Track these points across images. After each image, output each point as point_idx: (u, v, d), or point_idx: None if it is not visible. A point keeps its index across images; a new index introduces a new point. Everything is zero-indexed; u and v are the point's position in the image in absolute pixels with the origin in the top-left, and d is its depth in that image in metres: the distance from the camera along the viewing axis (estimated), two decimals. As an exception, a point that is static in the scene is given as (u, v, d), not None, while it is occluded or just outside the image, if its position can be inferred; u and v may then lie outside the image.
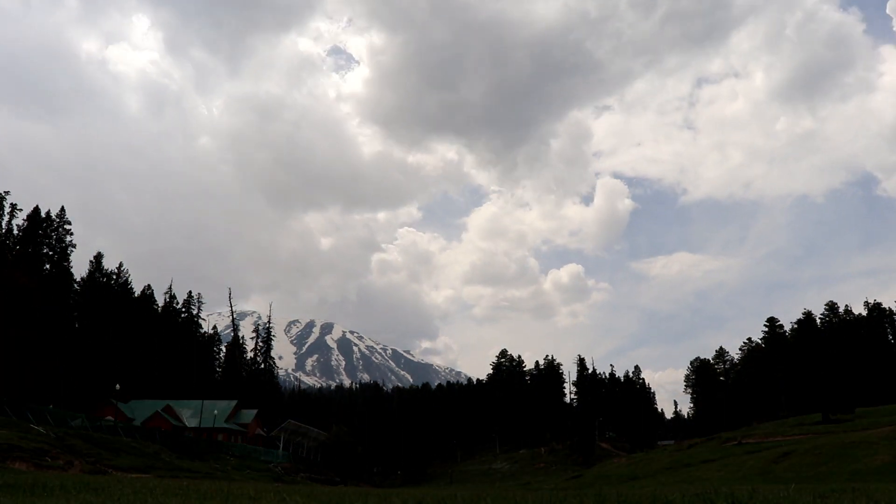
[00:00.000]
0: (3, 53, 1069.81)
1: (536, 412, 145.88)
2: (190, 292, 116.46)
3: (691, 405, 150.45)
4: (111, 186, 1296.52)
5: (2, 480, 15.31)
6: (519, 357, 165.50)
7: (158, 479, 28.35)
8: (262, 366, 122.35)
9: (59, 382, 77.41)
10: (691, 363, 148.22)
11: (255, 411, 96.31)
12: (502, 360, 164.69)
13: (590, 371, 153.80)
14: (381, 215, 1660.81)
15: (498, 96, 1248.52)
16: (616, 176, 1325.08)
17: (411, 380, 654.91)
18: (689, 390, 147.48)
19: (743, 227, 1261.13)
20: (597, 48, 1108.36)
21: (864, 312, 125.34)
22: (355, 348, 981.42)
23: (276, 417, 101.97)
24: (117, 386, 71.26)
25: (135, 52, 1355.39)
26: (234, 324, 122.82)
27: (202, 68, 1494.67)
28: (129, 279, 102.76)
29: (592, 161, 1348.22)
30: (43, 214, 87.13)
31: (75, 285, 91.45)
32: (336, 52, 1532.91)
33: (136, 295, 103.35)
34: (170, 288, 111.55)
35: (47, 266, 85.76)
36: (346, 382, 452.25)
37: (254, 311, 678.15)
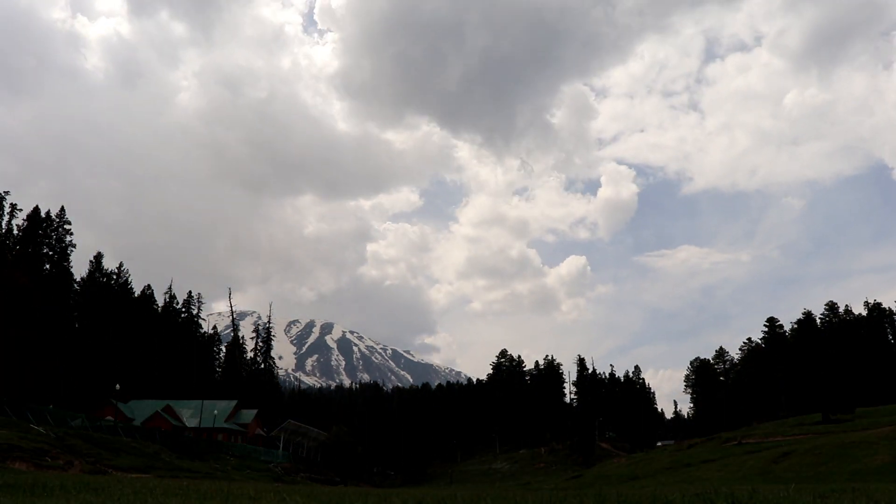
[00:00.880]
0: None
1: (536, 412, 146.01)
2: (190, 292, 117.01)
3: (691, 405, 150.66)
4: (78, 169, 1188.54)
5: (2, 480, 15.31)
6: (519, 357, 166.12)
7: (158, 479, 28.37)
8: (262, 366, 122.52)
9: (59, 382, 77.44)
10: (691, 363, 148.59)
11: (255, 411, 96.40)
12: (502, 360, 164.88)
13: (590, 371, 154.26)
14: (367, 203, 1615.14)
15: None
16: (620, 162, 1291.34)
17: (411, 380, 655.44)
18: (689, 390, 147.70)
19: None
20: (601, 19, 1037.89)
21: (864, 312, 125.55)
22: (355, 348, 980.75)
23: (276, 417, 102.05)
24: (117, 386, 71.30)
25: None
26: (234, 324, 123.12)
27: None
28: (129, 279, 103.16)
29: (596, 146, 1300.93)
30: (43, 214, 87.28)
31: (75, 285, 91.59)
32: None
33: (135, 295, 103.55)
34: (170, 288, 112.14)
35: (47, 266, 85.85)
36: (346, 382, 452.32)
37: (254, 311, 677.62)
